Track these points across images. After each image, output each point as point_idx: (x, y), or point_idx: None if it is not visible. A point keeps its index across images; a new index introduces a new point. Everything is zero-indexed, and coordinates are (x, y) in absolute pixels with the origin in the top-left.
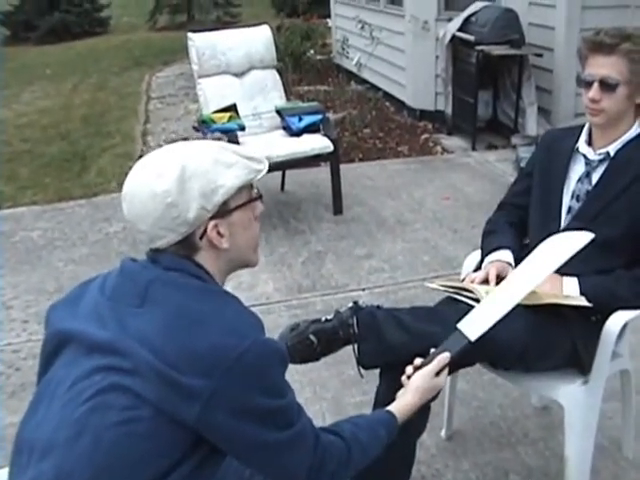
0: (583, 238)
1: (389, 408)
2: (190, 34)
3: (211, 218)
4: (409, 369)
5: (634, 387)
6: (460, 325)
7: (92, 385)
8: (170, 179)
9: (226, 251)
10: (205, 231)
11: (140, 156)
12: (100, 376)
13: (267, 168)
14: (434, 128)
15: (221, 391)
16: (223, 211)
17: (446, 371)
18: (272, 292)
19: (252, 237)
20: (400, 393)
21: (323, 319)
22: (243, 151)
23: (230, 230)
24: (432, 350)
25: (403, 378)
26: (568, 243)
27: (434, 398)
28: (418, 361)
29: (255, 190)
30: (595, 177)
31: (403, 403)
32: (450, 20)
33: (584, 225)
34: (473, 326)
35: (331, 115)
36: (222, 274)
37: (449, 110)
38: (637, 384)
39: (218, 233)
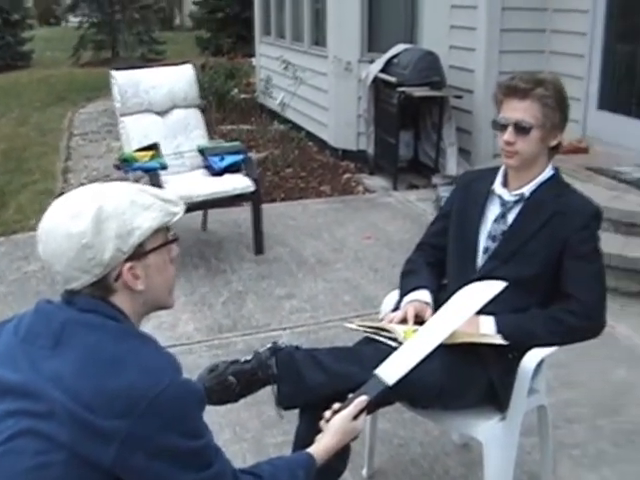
0: (497, 286)
1: (308, 450)
2: (113, 72)
3: (127, 260)
4: (327, 413)
5: (551, 422)
6: (378, 370)
7: (4, 430)
8: (86, 220)
9: (141, 293)
10: (120, 273)
11: (61, 193)
12: (13, 420)
13: (183, 211)
14: (356, 168)
15: (137, 432)
16: (139, 253)
17: (364, 414)
18: (193, 332)
19: (167, 279)
20: (319, 437)
21: (242, 360)
22: (160, 193)
23: (145, 272)
24: (350, 395)
25: (322, 422)
26: (483, 291)
27: (354, 438)
28: (336, 405)
29: (171, 233)
30: (510, 218)
31: (322, 445)
32: (372, 61)
33: (500, 265)
34: (391, 371)
35: (253, 154)
36: (138, 315)
37: (371, 150)
38: (554, 419)
39: (133, 275)
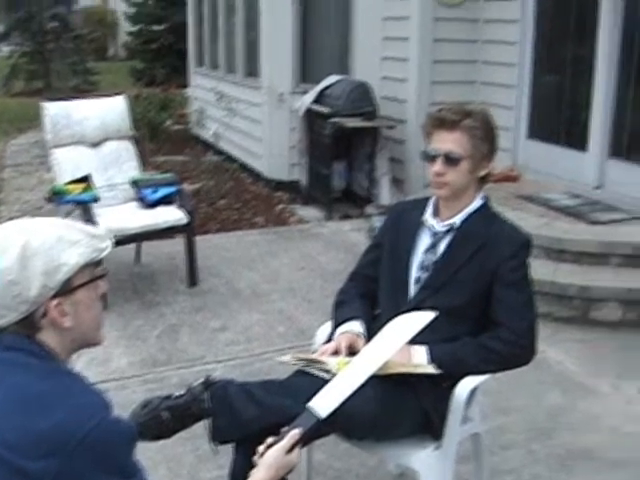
0: (428, 316)
1: None
2: (44, 103)
3: (54, 296)
4: (261, 448)
5: (486, 449)
6: (311, 404)
7: None
8: (12, 256)
9: (69, 330)
10: (47, 310)
11: None
12: None
13: (111, 247)
14: (290, 198)
15: (66, 473)
16: (66, 289)
17: (298, 447)
18: (126, 367)
19: (96, 316)
20: (254, 471)
21: (175, 395)
22: (88, 229)
23: (73, 309)
24: (284, 428)
25: (256, 457)
26: (414, 321)
27: (289, 472)
28: (270, 439)
29: (100, 268)
30: (441, 248)
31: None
32: (305, 92)
33: (432, 294)
34: (324, 403)
35: (187, 186)
36: (66, 353)
37: (304, 181)
38: (490, 445)
39: (60, 312)
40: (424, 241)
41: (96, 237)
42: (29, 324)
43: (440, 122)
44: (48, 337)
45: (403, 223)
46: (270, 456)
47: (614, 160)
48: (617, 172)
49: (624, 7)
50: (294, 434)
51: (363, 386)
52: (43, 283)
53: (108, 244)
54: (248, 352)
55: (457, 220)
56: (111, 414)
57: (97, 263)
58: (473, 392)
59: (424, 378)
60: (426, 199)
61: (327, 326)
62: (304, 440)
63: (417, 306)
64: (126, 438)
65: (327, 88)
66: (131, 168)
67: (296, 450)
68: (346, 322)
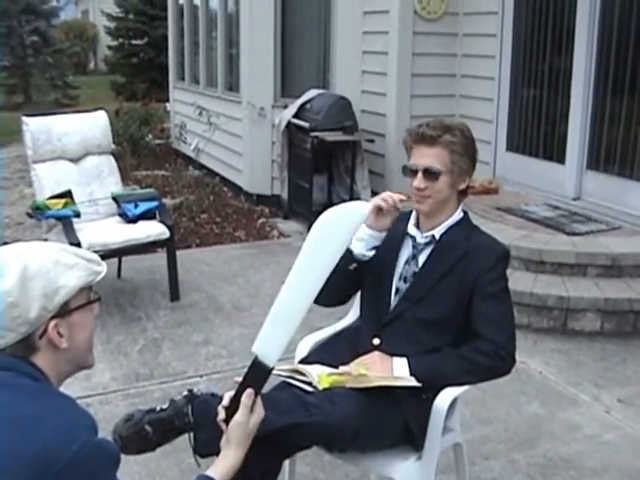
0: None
1: (211, 474)
2: (24, 118)
3: (52, 318)
4: (221, 414)
5: (468, 459)
6: (257, 353)
7: None
8: (11, 279)
9: (65, 351)
10: (45, 331)
11: None
12: None
13: (105, 270)
14: (271, 212)
15: None
16: (64, 311)
17: (257, 415)
18: (109, 381)
19: (89, 338)
20: (225, 452)
21: (158, 408)
22: (83, 252)
23: (69, 330)
24: (226, 394)
25: (223, 441)
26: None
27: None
28: (226, 401)
29: (93, 292)
30: (421, 259)
31: (226, 463)
32: (286, 107)
33: (411, 306)
34: (269, 352)
35: (168, 201)
36: (59, 376)
37: (285, 195)
38: (471, 455)
39: (58, 333)
40: (405, 252)
41: (92, 261)
42: (27, 345)
43: (420, 137)
44: (43, 358)
45: (387, 235)
46: (234, 433)
47: (592, 172)
48: (595, 184)
49: (600, 22)
50: (250, 394)
51: (346, 398)
52: (42, 305)
53: (103, 268)
54: (230, 366)
55: (437, 232)
56: (95, 436)
57: (91, 287)
58: (453, 403)
59: (405, 390)
60: (409, 212)
61: (308, 339)
62: (288, 447)
63: (397, 317)
64: (110, 460)
65: (307, 102)
66: (112, 183)
67: (257, 405)
68: None
